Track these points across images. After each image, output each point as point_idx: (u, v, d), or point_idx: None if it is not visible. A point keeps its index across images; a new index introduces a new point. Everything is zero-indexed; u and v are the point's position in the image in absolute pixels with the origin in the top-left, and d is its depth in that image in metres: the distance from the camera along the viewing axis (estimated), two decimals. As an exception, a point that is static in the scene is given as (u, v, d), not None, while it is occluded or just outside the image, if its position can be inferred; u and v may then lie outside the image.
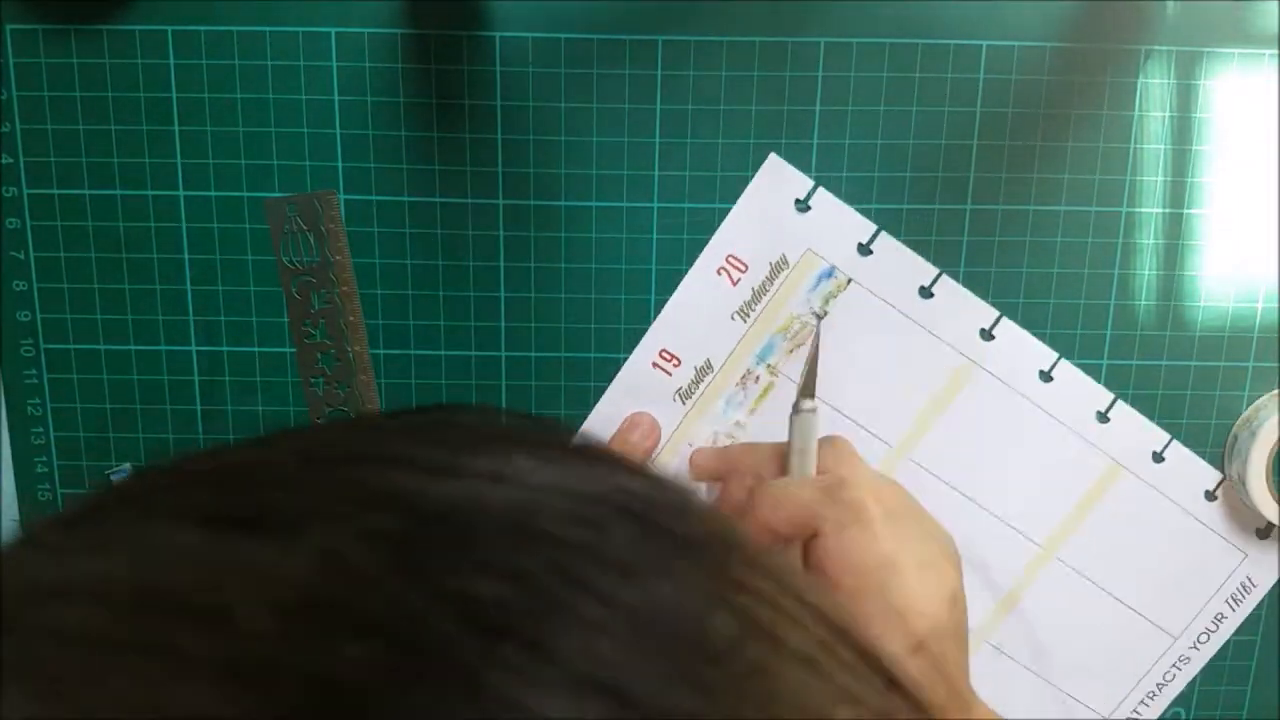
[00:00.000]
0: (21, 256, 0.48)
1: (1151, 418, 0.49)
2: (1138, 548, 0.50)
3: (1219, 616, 0.50)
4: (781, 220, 0.47)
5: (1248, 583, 0.50)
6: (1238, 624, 0.50)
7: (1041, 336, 0.48)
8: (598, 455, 0.18)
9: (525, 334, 0.48)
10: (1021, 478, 0.49)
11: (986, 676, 0.50)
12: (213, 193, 0.47)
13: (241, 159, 0.47)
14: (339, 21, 0.46)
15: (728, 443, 0.49)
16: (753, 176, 0.47)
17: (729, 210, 0.47)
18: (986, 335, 0.48)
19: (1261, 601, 0.50)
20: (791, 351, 0.48)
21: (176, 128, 0.46)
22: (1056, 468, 0.49)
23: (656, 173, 0.47)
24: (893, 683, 0.17)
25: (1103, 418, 0.49)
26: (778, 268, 0.48)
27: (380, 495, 0.15)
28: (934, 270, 0.48)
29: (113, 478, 0.49)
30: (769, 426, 0.48)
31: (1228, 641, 0.51)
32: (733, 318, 0.48)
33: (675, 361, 0.48)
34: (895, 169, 0.47)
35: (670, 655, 0.14)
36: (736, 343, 0.48)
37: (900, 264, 0.47)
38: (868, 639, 0.17)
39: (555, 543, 0.15)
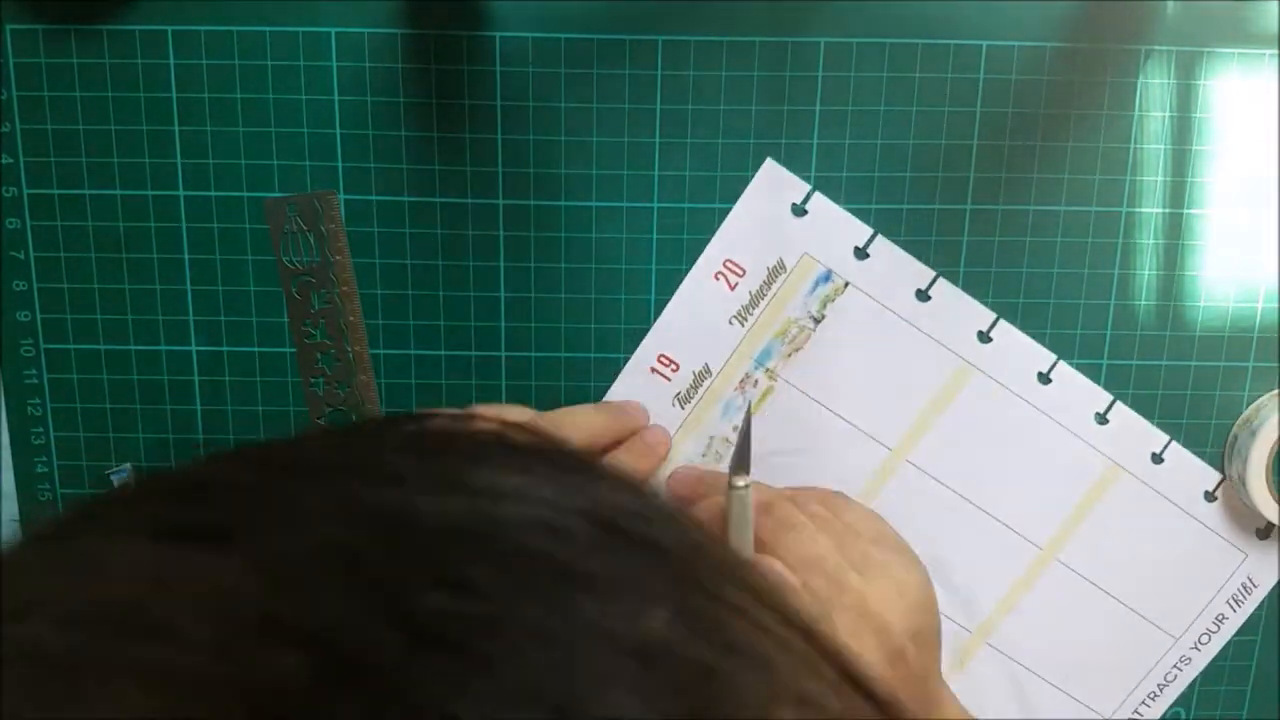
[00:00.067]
0: (21, 256, 0.48)
1: (1151, 418, 0.49)
2: (1138, 549, 0.50)
3: (1220, 617, 0.50)
4: (778, 225, 0.47)
5: (1248, 583, 0.50)
6: (1239, 624, 0.50)
7: (1041, 336, 0.48)
8: (572, 464, 0.18)
9: (525, 334, 0.48)
10: (1021, 480, 0.49)
11: (986, 678, 0.50)
12: (213, 193, 0.47)
13: (241, 159, 0.47)
14: (339, 21, 0.46)
15: (725, 447, 0.49)
16: (753, 176, 0.47)
17: (729, 210, 0.47)
18: (984, 337, 0.48)
19: (1262, 602, 0.50)
20: (790, 355, 0.48)
21: (176, 128, 0.46)
22: (1056, 469, 0.49)
23: (656, 173, 0.47)
24: (856, 683, 0.17)
25: (1101, 419, 0.49)
26: (775, 272, 0.47)
27: (333, 507, 0.16)
28: (931, 273, 0.48)
29: (113, 478, 0.49)
30: (767, 431, 0.48)
31: (1228, 642, 0.50)
32: (731, 322, 0.48)
33: (674, 366, 0.48)
34: (895, 169, 0.47)
35: (609, 659, 0.14)
36: (735, 347, 0.48)
37: (897, 267, 0.47)
38: (833, 640, 0.17)
39: (512, 551, 0.15)
